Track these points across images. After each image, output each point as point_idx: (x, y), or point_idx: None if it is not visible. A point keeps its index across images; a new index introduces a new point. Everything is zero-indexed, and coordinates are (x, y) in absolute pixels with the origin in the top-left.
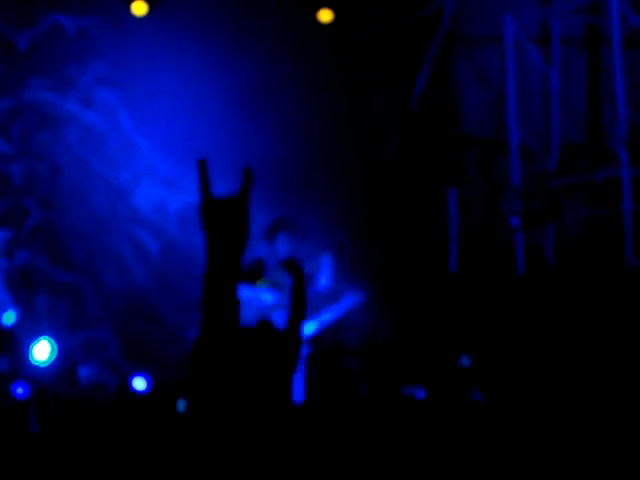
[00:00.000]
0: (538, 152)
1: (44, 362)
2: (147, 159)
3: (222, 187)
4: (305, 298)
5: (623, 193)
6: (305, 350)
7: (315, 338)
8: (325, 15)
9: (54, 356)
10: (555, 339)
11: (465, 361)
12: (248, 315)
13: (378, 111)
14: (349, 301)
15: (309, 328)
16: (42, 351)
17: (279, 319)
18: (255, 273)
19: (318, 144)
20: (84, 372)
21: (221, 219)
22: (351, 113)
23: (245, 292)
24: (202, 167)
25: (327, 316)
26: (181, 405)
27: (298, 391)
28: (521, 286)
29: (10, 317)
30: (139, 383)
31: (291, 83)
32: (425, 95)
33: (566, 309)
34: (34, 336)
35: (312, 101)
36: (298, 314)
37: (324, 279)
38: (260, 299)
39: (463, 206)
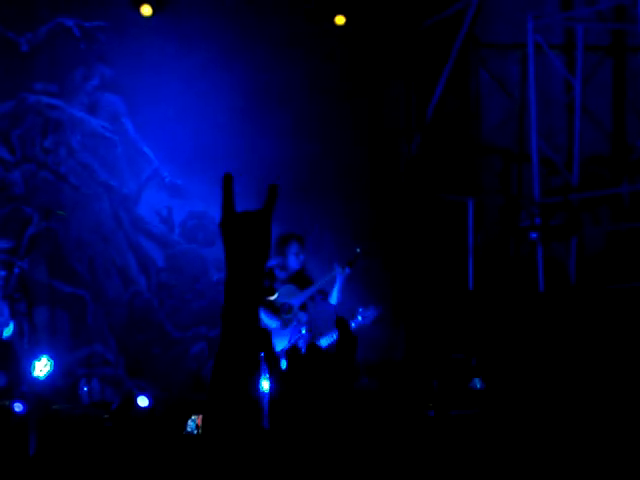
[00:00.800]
0: (560, 164)
1: (44, 378)
2: (152, 166)
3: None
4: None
5: None
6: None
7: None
8: (338, 18)
9: (54, 372)
10: (575, 360)
11: (477, 384)
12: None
13: (395, 117)
14: (363, 317)
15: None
16: (42, 367)
17: (283, 337)
18: (266, 287)
19: (330, 149)
20: (85, 388)
21: (243, 234)
22: (366, 118)
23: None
24: (227, 182)
25: (337, 335)
26: (191, 425)
27: None
28: (541, 304)
29: (8, 330)
30: (142, 400)
31: (301, 87)
32: (444, 101)
33: (588, 328)
34: (34, 350)
35: (325, 105)
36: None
37: (336, 291)
38: (266, 317)
39: (481, 217)
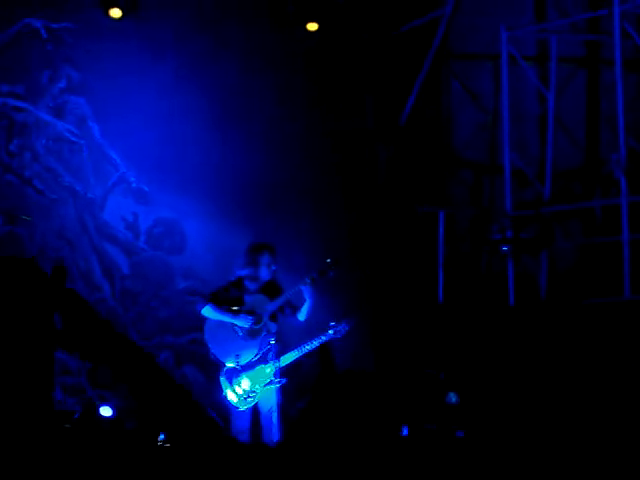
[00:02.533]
0: (532, 176)
1: None
2: (119, 171)
3: (199, 201)
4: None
5: (622, 222)
6: (281, 382)
7: (291, 369)
8: (310, 25)
9: None
10: (544, 374)
11: (453, 398)
12: (224, 336)
13: (366, 127)
14: (335, 332)
15: (287, 359)
16: None
17: (252, 348)
18: (235, 297)
19: (301, 160)
20: None
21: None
22: (338, 128)
23: (222, 316)
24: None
25: (308, 347)
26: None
27: (275, 430)
28: (511, 318)
29: None
30: (105, 410)
31: (272, 96)
32: (416, 112)
33: (557, 343)
34: None
35: (295, 115)
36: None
37: (305, 308)
38: (236, 323)
39: (452, 230)
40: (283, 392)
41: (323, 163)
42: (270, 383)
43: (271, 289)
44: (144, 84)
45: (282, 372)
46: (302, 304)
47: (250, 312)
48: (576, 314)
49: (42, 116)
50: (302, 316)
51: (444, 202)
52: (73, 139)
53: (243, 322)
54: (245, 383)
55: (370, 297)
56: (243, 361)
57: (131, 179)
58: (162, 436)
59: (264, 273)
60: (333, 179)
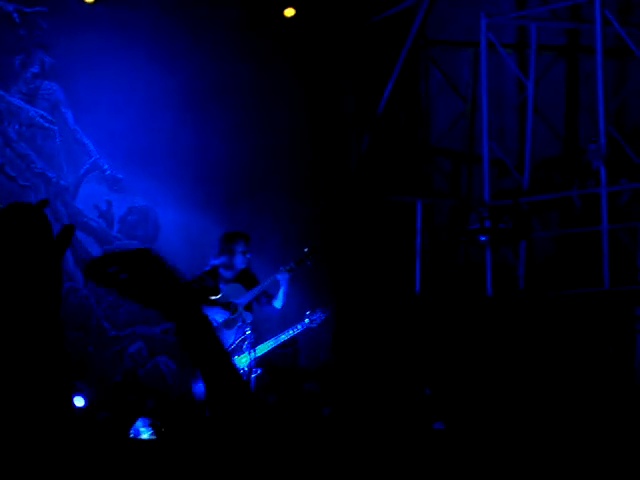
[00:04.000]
0: (511, 166)
1: None
2: (92, 158)
3: (173, 189)
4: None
5: (602, 212)
6: (256, 372)
7: (267, 360)
8: (287, 10)
9: None
10: (521, 365)
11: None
12: None
13: (342, 115)
14: (311, 320)
15: (263, 349)
16: None
17: (228, 338)
18: (210, 287)
19: (275, 149)
20: None
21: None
22: (314, 116)
23: None
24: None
25: (284, 336)
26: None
27: None
28: (488, 308)
29: None
30: (77, 400)
31: (247, 83)
32: (394, 100)
33: (534, 334)
34: None
35: (269, 102)
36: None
37: (281, 295)
38: (210, 317)
39: (430, 220)
40: (258, 383)
41: (299, 151)
42: (245, 373)
43: (247, 278)
44: (118, 70)
45: (257, 362)
46: (277, 293)
47: (225, 305)
48: (555, 305)
49: (14, 101)
50: (278, 303)
51: (422, 192)
52: (46, 125)
53: (218, 315)
54: None
55: (346, 288)
56: None
57: (105, 166)
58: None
59: (239, 261)
60: (309, 167)
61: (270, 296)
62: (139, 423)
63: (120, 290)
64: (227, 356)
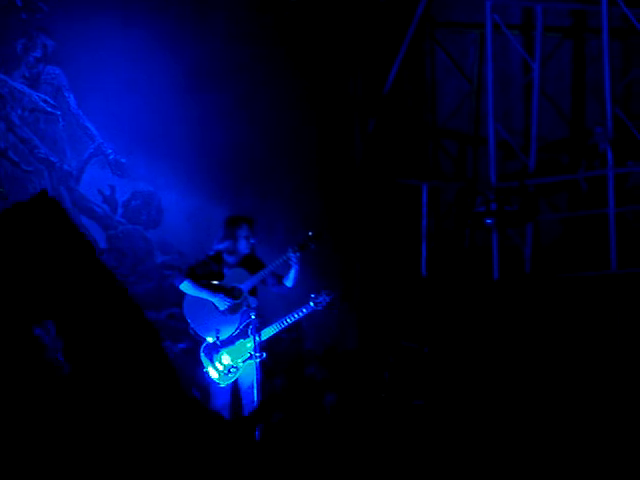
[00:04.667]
0: (517, 148)
1: None
2: (95, 142)
3: (177, 173)
4: None
5: (608, 194)
6: (261, 356)
7: (271, 344)
8: None
9: None
10: (527, 347)
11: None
12: (204, 311)
13: (348, 97)
14: (315, 303)
15: (268, 333)
16: None
17: (233, 322)
18: (214, 272)
19: (281, 132)
20: None
21: None
22: (320, 99)
23: (201, 292)
24: None
25: (289, 320)
26: None
27: (252, 405)
28: (494, 292)
29: None
30: None
31: (252, 67)
32: (399, 82)
33: (541, 316)
34: None
35: (275, 86)
36: None
37: (292, 273)
38: (213, 302)
39: (436, 202)
40: (263, 367)
41: (305, 134)
42: (250, 358)
43: (251, 263)
44: (121, 53)
45: (262, 347)
46: (287, 273)
47: (229, 290)
48: (561, 288)
49: (17, 86)
50: (289, 282)
51: (428, 174)
52: (49, 109)
53: (220, 302)
54: (225, 358)
55: (352, 271)
56: (223, 336)
57: (108, 150)
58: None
59: (243, 246)
60: (315, 150)
61: (279, 277)
62: None
63: None
64: None
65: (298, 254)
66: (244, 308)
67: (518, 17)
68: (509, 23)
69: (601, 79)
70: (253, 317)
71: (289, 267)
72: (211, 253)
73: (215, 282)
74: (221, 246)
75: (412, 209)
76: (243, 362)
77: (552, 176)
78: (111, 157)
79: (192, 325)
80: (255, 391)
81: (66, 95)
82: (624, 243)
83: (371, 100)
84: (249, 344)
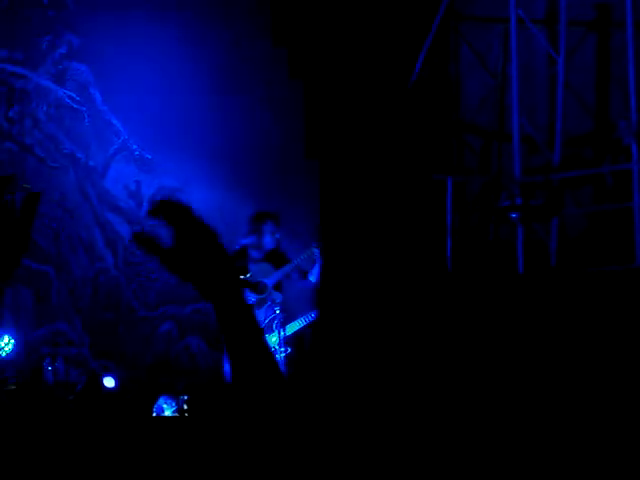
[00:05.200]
0: (541, 142)
1: (5, 355)
2: (121, 138)
3: (202, 169)
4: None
5: (633, 188)
6: (286, 351)
7: (298, 337)
8: None
9: (16, 350)
10: (553, 342)
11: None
12: None
13: (373, 90)
14: None
15: (293, 328)
16: (3, 345)
17: (258, 317)
18: (239, 266)
19: (306, 125)
20: (49, 368)
21: None
22: (341, 92)
23: None
24: None
25: (313, 314)
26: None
27: None
28: (520, 286)
29: None
30: (108, 381)
31: (278, 63)
32: (424, 76)
33: (567, 311)
34: None
35: (297, 78)
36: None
37: (313, 275)
38: None
39: (461, 197)
40: (289, 362)
41: (333, 129)
42: (275, 353)
43: (276, 257)
44: (147, 50)
45: (287, 341)
46: (311, 267)
47: (254, 286)
48: (587, 282)
49: (43, 82)
50: (314, 277)
51: (452, 169)
52: (74, 106)
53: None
54: None
55: (379, 266)
56: None
57: (133, 146)
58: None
59: (268, 241)
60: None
61: (303, 272)
62: (161, 400)
63: (162, 258)
64: (261, 338)
65: (318, 250)
66: (269, 303)
67: (542, 11)
68: (533, 17)
69: (625, 72)
70: (278, 312)
71: (313, 262)
72: (236, 248)
73: (240, 277)
74: (246, 241)
75: (437, 204)
76: None
77: (577, 170)
78: (136, 153)
79: None
80: None
81: (92, 92)
82: None
83: (397, 93)
84: (274, 339)
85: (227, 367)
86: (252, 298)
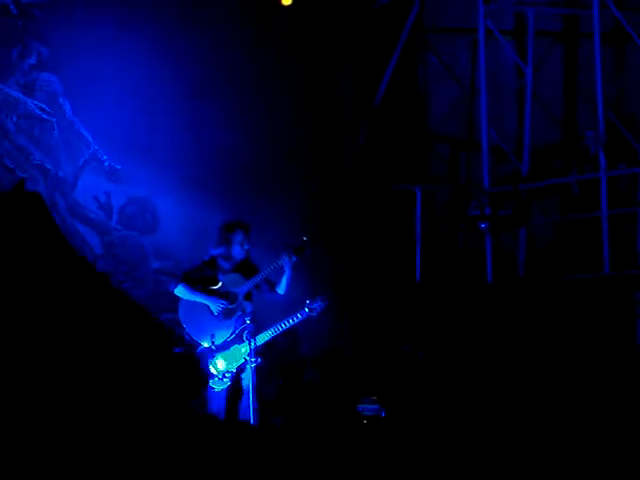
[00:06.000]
0: (510, 152)
1: None
2: (90, 149)
3: (172, 179)
4: None
5: (601, 197)
6: (256, 362)
7: (267, 348)
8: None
9: None
10: (522, 351)
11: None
12: (199, 316)
13: (340, 102)
14: (310, 309)
15: (263, 338)
16: None
17: (228, 327)
18: (209, 277)
19: (274, 137)
20: None
21: None
22: (313, 105)
23: (195, 296)
24: None
25: (284, 325)
26: None
27: (248, 410)
28: (489, 296)
29: None
30: None
31: (244, 73)
32: (392, 87)
33: (535, 320)
34: None
35: (268, 92)
36: None
37: (284, 281)
38: (208, 305)
39: (430, 207)
40: (258, 372)
41: (298, 139)
42: (245, 363)
43: (246, 268)
44: (117, 60)
45: (257, 352)
46: (279, 279)
47: (224, 295)
48: (555, 291)
49: (12, 93)
50: (281, 289)
51: (421, 179)
52: (44, 117)
53: (215, 305)
54: (220, 363)
55: (346, 277)
56: (218, 341)
57: (103, 157)
58: None
59: (237, 252)
60: (308, 157)
61: (272, 283)
62: None
63: None
64: None
65: (294, 258)
66: (239, 313)
67: (510, 22)
68: (502, 28)
69: (593, 83)
70: (248, 322)
71: (282, 274)
72: (206, 258)
73: (210, 287)
74: (216, 252)
75: (406, 214)
76: (238, 367)
77: (545, 180)
78: (106, 164)
79: (187, 330)
80: (251, 396)
81: (61, 102)
82: (616, 245)
83: (364, 104)
84: (244, 349)
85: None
86: (221, 306)
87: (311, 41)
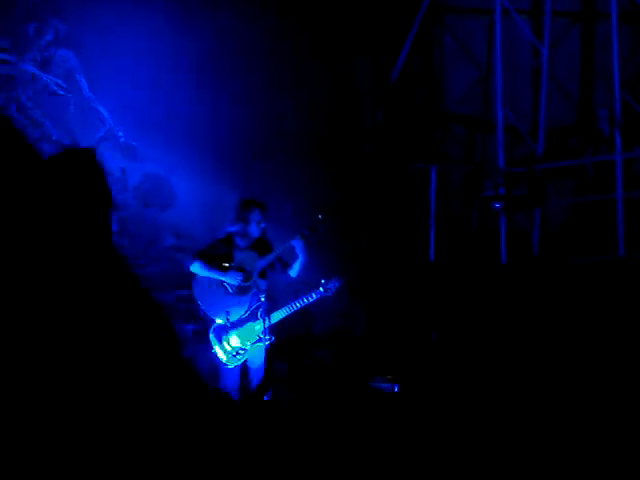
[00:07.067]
0: (525, 133)
1: None
2: (106, 125)
3: (188, 157)
4: None
5: (616, 179)
6: (270, 339)
7: (281, 327)
8: None
9: None
10: (536, 331)
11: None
12: (214, 293)
13: (360, 84)
14: (325, 289)
15: (277, 316)
16: None
17: (242, 304)
18: (224, 254)
19: (291, 116)
20: None
21: None
22: (331, 86)
23: (211, 272)
24: None
25: (299, 304)
26: None
27: (259, 382)
28: (503, 276)
29: None
30: None
31: (264, 52)
32: (408, 67)
33: (549, 301)
34: None
35: (287, 71)
36: None
37: (297, 264)
38: (225, 280)
39: (445, 187)
40: (271, 350)
41: (314, 117)
42: (259, 340)
43: (261, 246)
44: (132, 37)
45: (271, 330)
46: (293, 260)
47: (239, 269)
48: (569, 272)
49: (28, 69)
50: (294, 272)
51: (437, 158)
52: (60, 92)
53: (232, 279)
54: (234, 340)
55: (360, 256)
56: (233, 318)
57: (119, 134)
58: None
59: (254, 230)
60: (324, 133)
61: (285, 263)
62: None
63: None
64: None
65: (306, 233)
66: (254, 290)
67: (527, 2)
68: (518, 8)
69: (610, 63)
70: (263, 300)
71: (296, 256)
72: (222, 235)
73: (225, 264)
74: (233, 229)
75: (421, 194)
76: (252, 344)
77: (560, 161)
78: (122, 140)
79: (202, 307)
80: (263, 373)
81: (78, 78)
82: (631, 227)
83: (381, 85)
84: (258, 327)
85: (211, 352)
86: (239, 278)
87: (329, 21)
